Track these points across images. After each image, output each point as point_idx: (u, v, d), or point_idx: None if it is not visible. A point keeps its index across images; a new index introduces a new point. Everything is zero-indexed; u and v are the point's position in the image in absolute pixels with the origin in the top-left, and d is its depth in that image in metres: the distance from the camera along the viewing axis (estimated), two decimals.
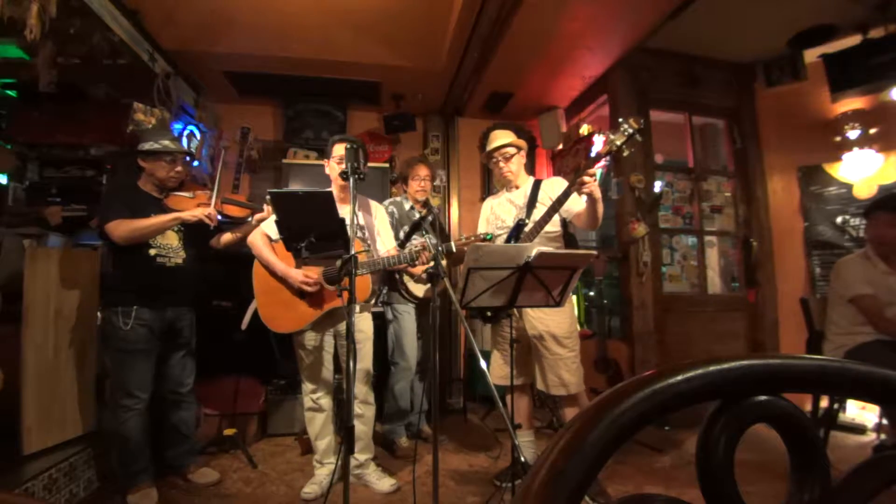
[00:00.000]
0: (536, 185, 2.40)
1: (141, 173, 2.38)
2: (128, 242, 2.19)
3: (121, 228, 2.17)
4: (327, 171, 2.40)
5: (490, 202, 2.59)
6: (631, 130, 1.92)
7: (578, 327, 2.39)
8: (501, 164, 2.41)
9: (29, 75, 2.76)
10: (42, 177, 3.40)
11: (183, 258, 2.37)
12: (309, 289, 2.21)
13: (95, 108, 3.41)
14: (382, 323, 3.03)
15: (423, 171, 3.02)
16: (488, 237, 2.06)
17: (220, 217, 2.42)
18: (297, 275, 2.22)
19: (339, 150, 2.32)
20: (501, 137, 2.40)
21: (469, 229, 4.53)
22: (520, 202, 2.41)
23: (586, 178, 1.97)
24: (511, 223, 2.38)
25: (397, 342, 2.93)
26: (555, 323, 2.26)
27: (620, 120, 1.94)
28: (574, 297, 2.37)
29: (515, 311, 2.31)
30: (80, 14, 2.48)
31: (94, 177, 3.42)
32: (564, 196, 2.10)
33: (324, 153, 2.43)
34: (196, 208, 2.32)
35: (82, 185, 3.36)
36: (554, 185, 2.39)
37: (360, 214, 2.25)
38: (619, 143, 1.94)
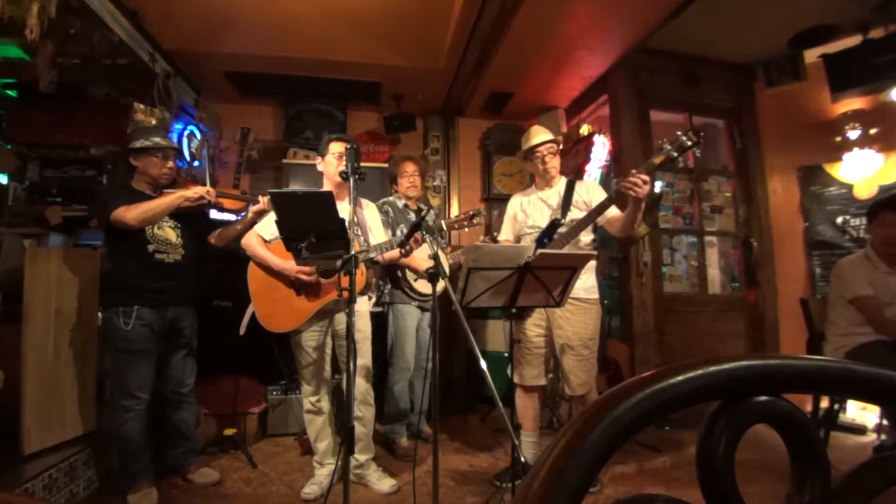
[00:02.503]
0: (570, 186, 2.37)
1: (134, 173, 2.38)
2: (140, 224, 2.19)
3: (131, 212, 2.16)
4: (320, 167, 2.39)
5: (519, 199, 2.55)
6: (689, 143, 1.92)
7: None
8: (547, 159, 2.38)
9: (29, 75, 2.77)
10: (42, 177, 3.40)
11: (182, 254, 2.37)
12: (305, 278, 2.21)
13: (95, 108, 3.41)
14: (382, 322, 3.02)
15: (410, 167, 2.99)
16: (479, 213, 2.06)
17: (216, 209, 2.43)
18: (294, 266, 2.21)
19: (337, 147, 2.32)
20: (543, 133, 2.39)
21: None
22: (553, 202, 2.39)
23: (639, 182, 1.93)
24: (543, 224, 2.35)
25: (396, 342, 2.92)
26: (581, 324, 2.26)
27: (679, 133, 1.95)
28: (596, 297, 2.36)
29: (544, 311, 2.31)
30: (80, 14, 2.48)
31: (94, 177, 3.42)
32: (609, 202, 2.08)
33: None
34: (197, 188, 2.33)
35: (82, 185, 3.36)
36: (590, 189, 2.37)
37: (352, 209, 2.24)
38: (675, 154, 1.94)
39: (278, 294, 2.26)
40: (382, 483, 2.32)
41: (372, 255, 2.20)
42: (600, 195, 2.31)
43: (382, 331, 3.01)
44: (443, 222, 2.09)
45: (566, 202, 2.32)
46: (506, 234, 2.56)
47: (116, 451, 2.27)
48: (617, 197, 2.07)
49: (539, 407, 2.45)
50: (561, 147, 2.45)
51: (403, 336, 2.88)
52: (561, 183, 2.42)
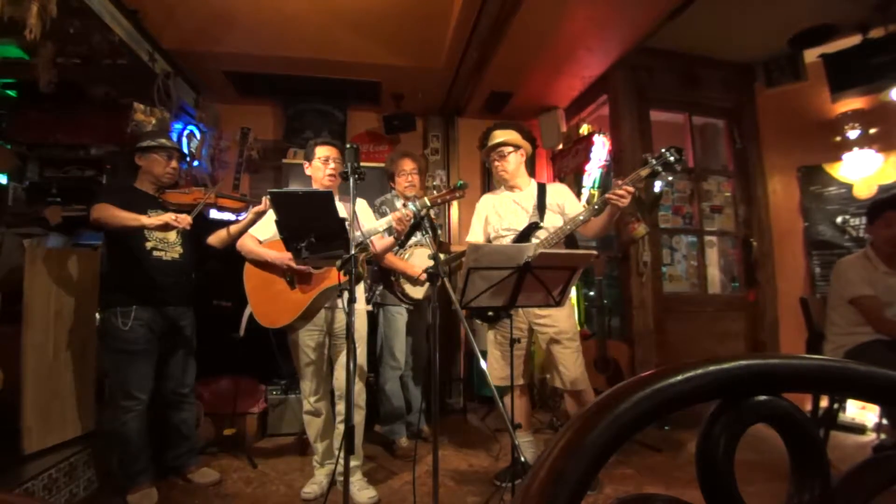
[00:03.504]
0: (542, 190, 2.41)
1: (137, 173, 2.39)
2: (96, 224, 2.19)
3: (98, 210, 2.17)
4: (308, 172, 2.39)
5: (490, 199, 2.56)
6: (672, 160, 1.99)
7: (578, 327, 2.42)
8: (496, 162, 2.43)
9: (29, 75, 2.76)
10: (42, 177, 3.40)
11: (180, 252, 2.38)
12: (296, 266, 2.18)
13: (95, 108, 3.41)
14: (372, 323, 3.02)
15: (408, 164, 2.92)
16: (459, 185, 2.09)
17: (215, 209, 2.42)
18: (285, 254, 2.17)
19: (324, 151, 2.34)
20: (499, 136, 2.42)
21: (469, 229, 4.53)
22: (528, 206, 2.40)
23: (625, 194, 2.01)
24: (519, 226, 2.37)
25: (386, 342, 2.91)
26: (564, 319, 2.29)
27: (663, 149, 2.03)
28: (574, 296, 2.39)
29: (521, 310, 2.32)
30: (80, 14, 2.48)
31: (94, 177, 3.41)
32: (595, 210, 2.13)
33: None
34: (164, 214, 2.24)
35: (82, 185, 3.36)
36: (560, 193, 2.42)
37: (342, 206, 2.24)
38: (660, 169, 2.01)
39: (273, 289, 2.26)
40: (362, 494, 2.21)
41: (366, 238, 2.19)
42: (571, 198, 2.41)
43: (372, 331, 3.00)
44: (426, 199, 2.07)
45: (541, 206, 2.36)
46: (476, 236, 2.52)
47: (116, 452, 2.26)
48: (603, 205, 2.12)
49: (529, 405, 2.46)
50: (521, 150, 2.43)
51: (394, 336, 2.88)
52: (532, 186, 2.45)
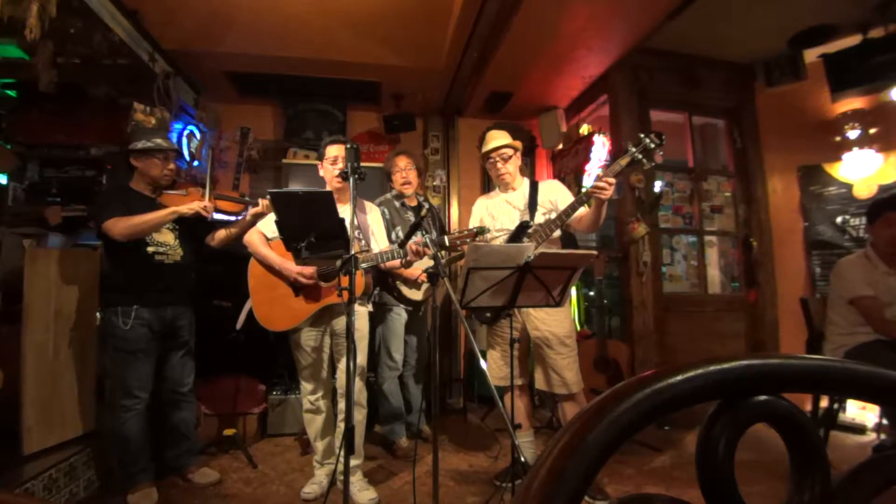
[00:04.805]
0: (534, 188, 2.40)
1: (133, 173, 2.38)
2: (127, 238, 2.19)
3: (119, 225, 2.17)
4: (321, 173, 2.40)
5: (484, 202, 2.57)
6: (653, 145, 1.97)
7: (578, 327, 2.41)
8: (499, 165, 2.41)
9: (29, 75, 2.76)
10: (42, 177, 3.40)
11: (181, 255, 2.38)
12: (304, 281, 2.20)
13: (95, 108, 3.40)
14: (371, 323, 3.02)
15: (402, 162, 2.92)
16: (484, 231, 2.07)
17: (213, 213, 2.42)
18: (294, 267, 2.21)
19: (333, 151, 2.33)
20: (498, 138, 2.41)
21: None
22: (519, 204, 2.40)
23: (606, 185, 1.99)
24: (511, 226, 2.37)
25: (384, 342, 2.92)
26: (557, 323, 2.27)
27: (641, 135, 1.99)
28: (574, 296, 2.37)
29: (516, 311, 2.32)
30: (80, 14, 2.48)
31: (94, 177, 3.41)
32: (579, 203, 2.13)
33: None
34: (193, 203, 2.30)
35: (82, 185, 3.35)
36: (553, 189, 2.41)
37: (359, 215, 2.24)
38: (640, 156, 1.99)
39: (277, 293, 2.25)
40: (362, 495, 2.21)
41: (369, 263, 2.19)
42: (564, 193, 2.38)
43: (371, 331, 3.00)
44: (446, 238, 2.07)
45: (532, 204, 2.35)
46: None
47: (116, 451, 2.27)
48: (587, 198, 2.11)
49: (529, 405, 2.45)
50: (518, 152, 2.43)
51: (391, 336, 2.88)
52: (524, 185, 2.44)
